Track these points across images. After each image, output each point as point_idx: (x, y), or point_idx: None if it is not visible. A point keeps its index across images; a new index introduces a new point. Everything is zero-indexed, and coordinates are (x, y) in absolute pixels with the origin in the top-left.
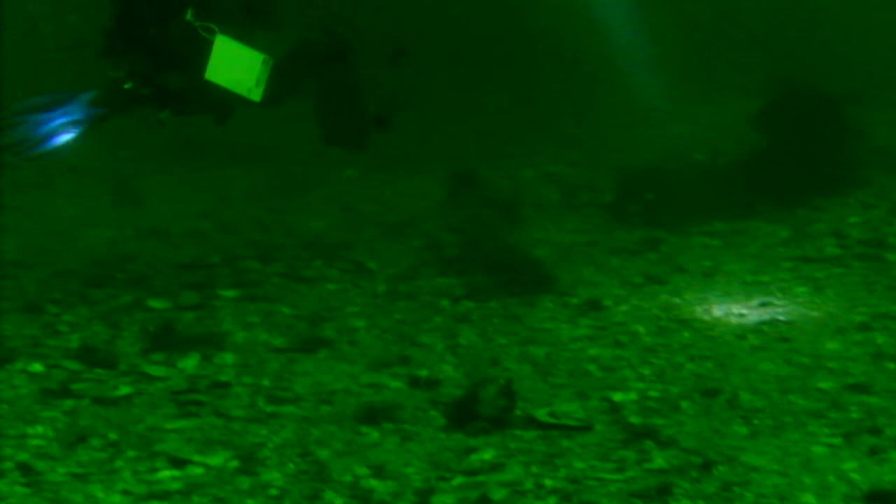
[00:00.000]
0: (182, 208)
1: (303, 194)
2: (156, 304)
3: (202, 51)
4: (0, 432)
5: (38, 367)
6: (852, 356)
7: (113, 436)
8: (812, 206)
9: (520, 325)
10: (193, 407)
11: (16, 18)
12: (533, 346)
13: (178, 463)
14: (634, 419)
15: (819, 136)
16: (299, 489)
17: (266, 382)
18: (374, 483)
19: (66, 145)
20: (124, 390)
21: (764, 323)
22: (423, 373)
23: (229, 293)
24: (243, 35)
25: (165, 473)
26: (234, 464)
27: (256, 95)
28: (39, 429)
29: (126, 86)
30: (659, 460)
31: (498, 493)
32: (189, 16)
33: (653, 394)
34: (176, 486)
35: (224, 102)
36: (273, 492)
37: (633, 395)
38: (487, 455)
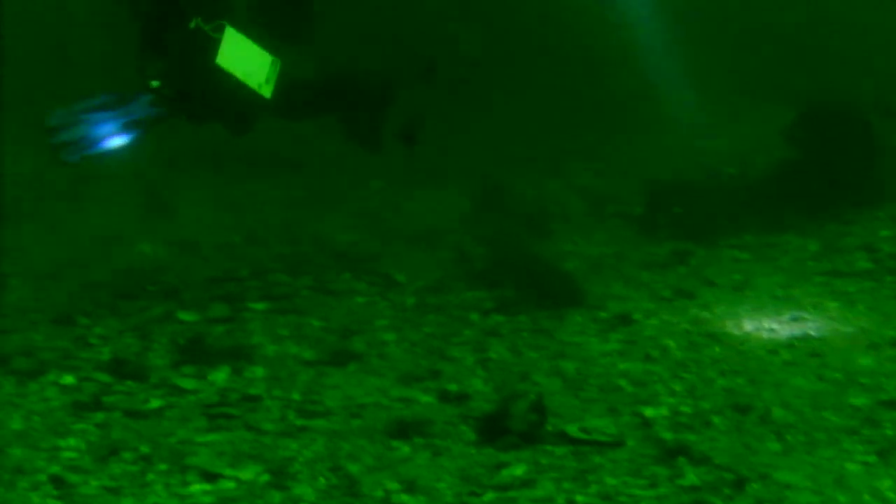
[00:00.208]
0: (211, 219)
1: (329, 206)
2: (186, 316)
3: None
4: (33, 444)
5: (69, 379)
6: (885, 372)
7: (145, 449)
8: (843, 219)
9: (550, 340)
10: (224, 420)
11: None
12: (563, 361)
13: (209, 477)
14: (666, 435)
15: (850, 150)
16: None
17: (296, 396)
18: (405, 498)
19: (124, 146)
20: (155, 403)
21: (795, 338)
22: (454, 387)
23: (259, 306)
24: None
25: (197, 487)
26: (266, 478)
27: (267, 92)
28: (72, 441)
29: (153, 84)
30: (691, 477)
31: None
32: (194, 24)
33: (684, 409)
34: (208, 500)
35: (243, 111)
36: None
37: (664, 411)
38: (518, 471)
